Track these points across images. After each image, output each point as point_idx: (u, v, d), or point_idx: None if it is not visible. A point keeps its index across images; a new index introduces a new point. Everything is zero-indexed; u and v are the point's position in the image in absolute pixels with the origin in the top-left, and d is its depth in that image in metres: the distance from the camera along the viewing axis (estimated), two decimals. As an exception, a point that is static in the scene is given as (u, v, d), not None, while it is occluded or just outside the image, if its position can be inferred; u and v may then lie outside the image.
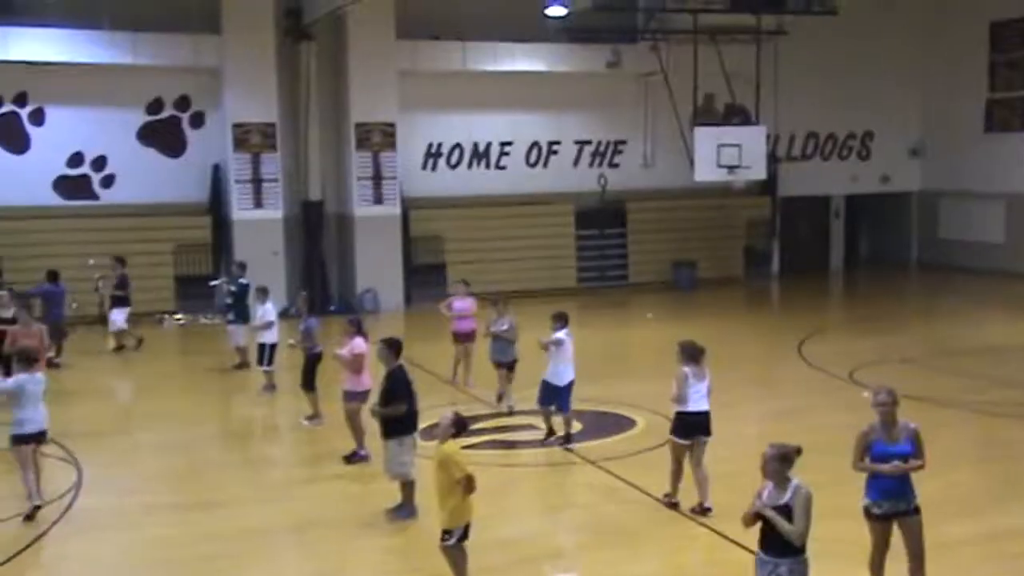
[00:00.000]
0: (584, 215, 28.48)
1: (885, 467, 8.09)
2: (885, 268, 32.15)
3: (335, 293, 26.15)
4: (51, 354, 18.98)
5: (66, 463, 13.05)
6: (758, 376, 17.79)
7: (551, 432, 13.61)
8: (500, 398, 15.29)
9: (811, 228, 32.00)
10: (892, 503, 8.16)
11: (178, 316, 24.36)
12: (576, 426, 13.90)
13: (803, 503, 6.97)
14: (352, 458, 12.85)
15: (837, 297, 30.33)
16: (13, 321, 15.82)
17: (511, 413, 14.93)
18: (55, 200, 24.48)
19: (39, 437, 11.22)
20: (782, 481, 7.06)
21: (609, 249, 28.96)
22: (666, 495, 11.01)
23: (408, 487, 10.83)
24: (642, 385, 15.79)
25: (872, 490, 8.23)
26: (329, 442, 13.65)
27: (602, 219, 28.67)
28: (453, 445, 8.85)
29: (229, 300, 18.95)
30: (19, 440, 11.01)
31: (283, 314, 19.65)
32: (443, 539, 8.69)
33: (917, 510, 8.22)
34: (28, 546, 10.24)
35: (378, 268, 25.65)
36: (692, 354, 10.75)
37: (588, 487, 12.28)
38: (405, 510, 10.82)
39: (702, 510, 10.68)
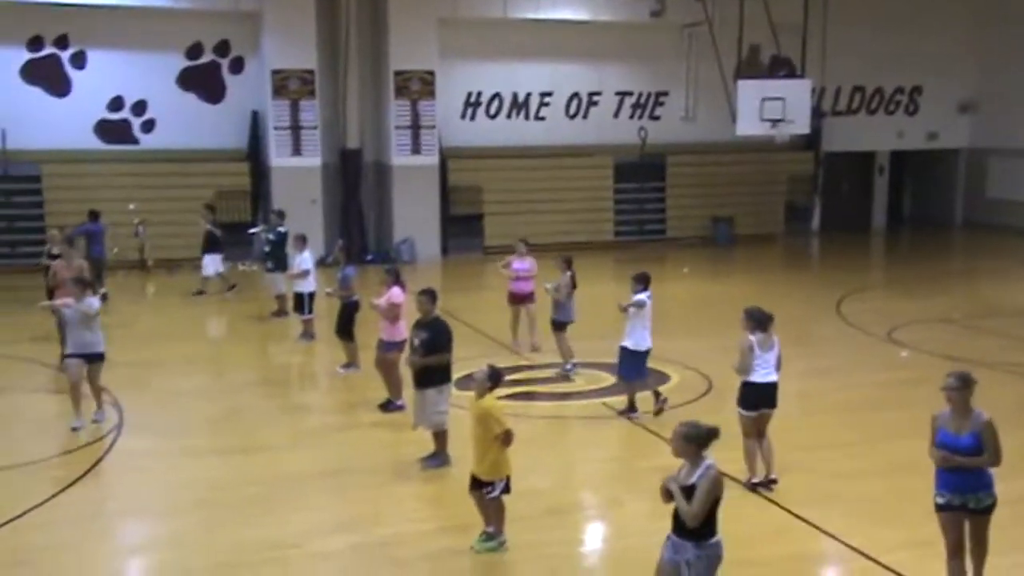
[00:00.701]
0: (623, 168, 28.27)
1: (938, 458, 7.51)
2: (929, 227, 31.72)
3: (372, 242, 26.24)
4: (103, 290, 19.59)
5: (108, 405, 13.26)
6: (796, 334, 17.62)
7: (657, 395, 12.88)
8: (566, 361, 14.75)
9: (854, 185, 31.59)
10: (956, 496, 7.51)
11: (217, 262, 24.54)
12: (607, 380, 13.92)
13: (706, 485, 6.58)
14: (388, 407, 12.95)
15: (878, 256, 30.01)
16: (59, 257, 16.39)
17: (566, 377, 14.61)
18: (96, 144, 24.69)
19: (87, 357, 12.35)
20: (695, 460, 6.71)
21: (648, 203, 28.76)
22: (748, 480, 10.22)
23: (441, 436, 10.92)
24: (676, 340, 15.73)
25: (938, 480, 7.63)
26: (365, 391, 13.76)
27: (641, 172, 28.44)
28: (492, 400, 8.91)
29: (267, 248, 19.06)
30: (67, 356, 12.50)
31: (320, 263, 19.74)
32: (488, 492, 8.77)
33: (987, 509, 7.52)
34: (70, 485, 10.44)
35: (415, 218, 25.70)
36: (759, 321, 10.11)
37: (620, 441, 12.32)
38: (438, 459, 10.92)
39: (768, 482, 10.16)
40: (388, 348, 12.96)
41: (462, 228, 26.76)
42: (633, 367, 12.63)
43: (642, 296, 12.54)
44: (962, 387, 7.51)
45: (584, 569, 8.95)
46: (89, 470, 10.92)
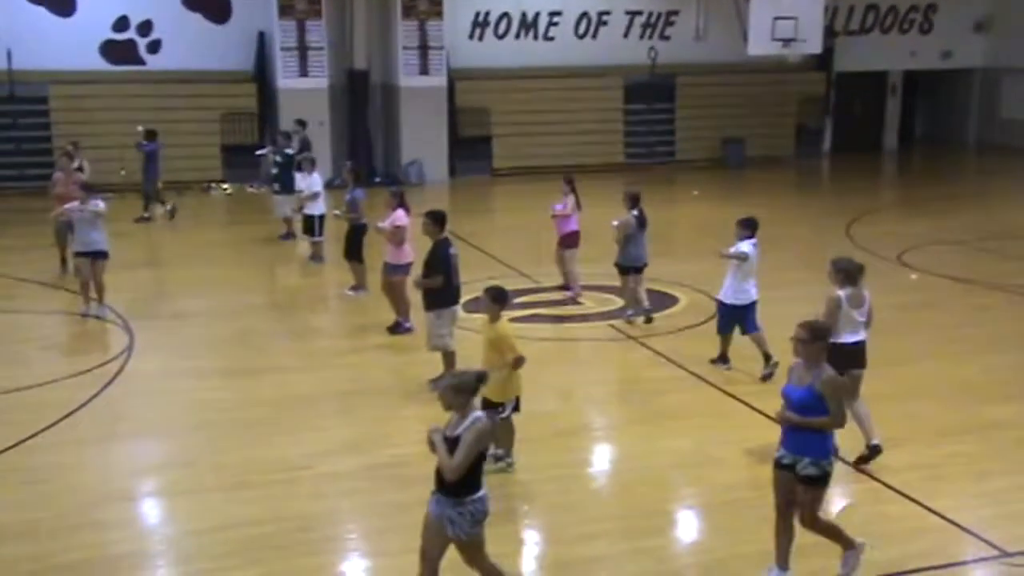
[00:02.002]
0: (633, 89, 27.94)
1: (781, 412, 6.92)
2: (941, 148, 31.43)
3: (380, 164, 26.09)
4: (169, 205, 20.39)
5: (118, 327, 13.35)
6: (805, 257, 17.61)
7: (724, 357, 11.63)
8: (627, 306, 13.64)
9: (866, 106, 31.21)
10: (788, 454, 6.92)
11: (225, 185, 24.48)
12: (617, 303, 13.93)
13: (470, 437, 6.10)
14: (396, 329, 12.99)
15: (889, 177, 29.78)
16: (80, 170, 17.20)
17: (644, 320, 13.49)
18: (102, 65, 24.45)
19: (92, 255, 13.78)
20: (464, 411, 6.25)
21: (657, 125, 28.47)
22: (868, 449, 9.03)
23: (449, 358, 10.95)
24: (685, 264, 15.72)
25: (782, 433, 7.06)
26: (373, 313, 13.79)
27: (651, 93, 28.09)
28: (506, 325, 8.92)
29: (275, 170, 18.96)
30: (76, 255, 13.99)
31: (328, 185, 19.64)
32: (499, 413, 8.81)
33: (808, 480, 6.79)
34: (82, 405, 10.54)
35: (423, 140, 25.49)
36: (849, 273, 9.01)
37: (629, 363, 12.36)
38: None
39: (869, 450, 8.99)
40: (392, 271, 12.95)
41: (470, 150, 26.57)
42: (742, 321, 11.29)
43: (745, 246, 11.13)
44: (811, 339, 6.85)
45: (592, 490, 9.04)
46: (100, 391, 11.00)
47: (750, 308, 11.24)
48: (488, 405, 8.87)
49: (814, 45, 24.75)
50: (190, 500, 8.58)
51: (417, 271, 11.48)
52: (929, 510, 8.18)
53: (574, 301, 14.47)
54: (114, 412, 10.62)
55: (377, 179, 24.56)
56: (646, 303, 13.39)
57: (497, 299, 8.91)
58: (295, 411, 10.45)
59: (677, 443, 9.74)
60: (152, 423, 10.44)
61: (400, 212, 12.93)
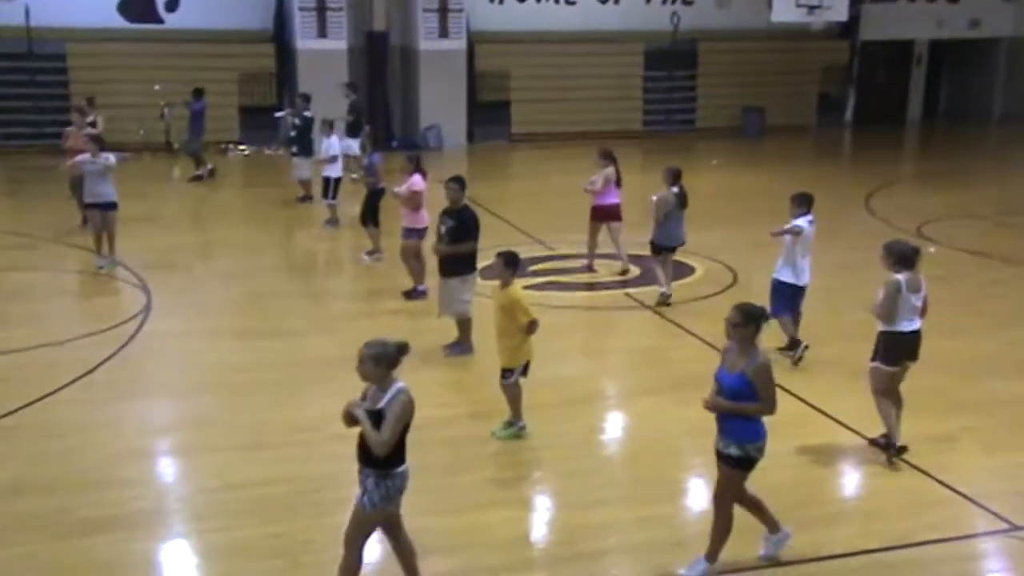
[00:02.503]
0: (653, 55, 27.73)
1: (711, 398, 6.74)
2: (966, 121, 31.06)
3: (397, 128, 26.03)
4: (210, 166, 20.73)
5: (136, 287, 13.43)
6: (823, 228, 17.39)
7: (794, 343, 10.81)
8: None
9: (890, 76, 30.89)
10: (718, 438, 6.79)
11: (242, 147, 24.49)
12: (633, 271, 13.91)
13: (396, 410, 5.97)
14: (412, 294, 13.02)
15: (912, 150, 29.53)
16: (93, 125, 17.50)
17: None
18: (120, 23, 24.42)
19: (102, 206, 14.24)
20: (384, 382, 6.08)
21: (677, 92, 28.29)
22: (883, 436, 8.71)
23: (465, 324, 10.99)
24: (702, 233, 15.61)
25: None
26: (388, 277, 13.82)
27: (672, 60, 27.89)
28: (519, 289, 8.93)
29: (293, 132, 18.96)
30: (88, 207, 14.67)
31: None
32: (504, 377, 8.87)
33: (729, 460, 6.69)
34: (99, 365, 10.63)
35: (442, 104, 25.40)
36: (904, 257, 8.46)
37: (644, 332, 12.36)
38: (461, 346, 11.01)
39: (886, 445, 8.62)
40: (409, 235, 12.97)
41: (489, 115, 26.46)
42: (786, 301, 10.69)
43: (801, 221, 10.63)
44: (744, 323, 6.60)
45: (603, 457, 9.08)
46: (118, 351, 11.09)
47: (803, 291, 10.77)
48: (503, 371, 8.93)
49: (839, 12, 24.48)
50: (204, 459, 8.67)
51: (431, 238, 11.50)
52: (940, 483, 8.19)
53: (589, 269, 14.42)
54: (130, 372, 10.70)
55: (395, 143, 24.54)
56: (664, 286, 12.77)
57: (510, 263, 8.92)
58: (308, 374, 10.51)
59: (689, 412, 9.73)
60: (168, 383, 10.53)
61: (417, 177, 12.93)
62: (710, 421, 9.43)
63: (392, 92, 25.88)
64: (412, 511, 7.16)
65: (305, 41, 24.49)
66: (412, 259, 13.02)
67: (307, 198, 18.70)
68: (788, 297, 10.70)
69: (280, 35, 25.24)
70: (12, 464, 8.44)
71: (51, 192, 18.26)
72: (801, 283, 10.71)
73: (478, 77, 26.22)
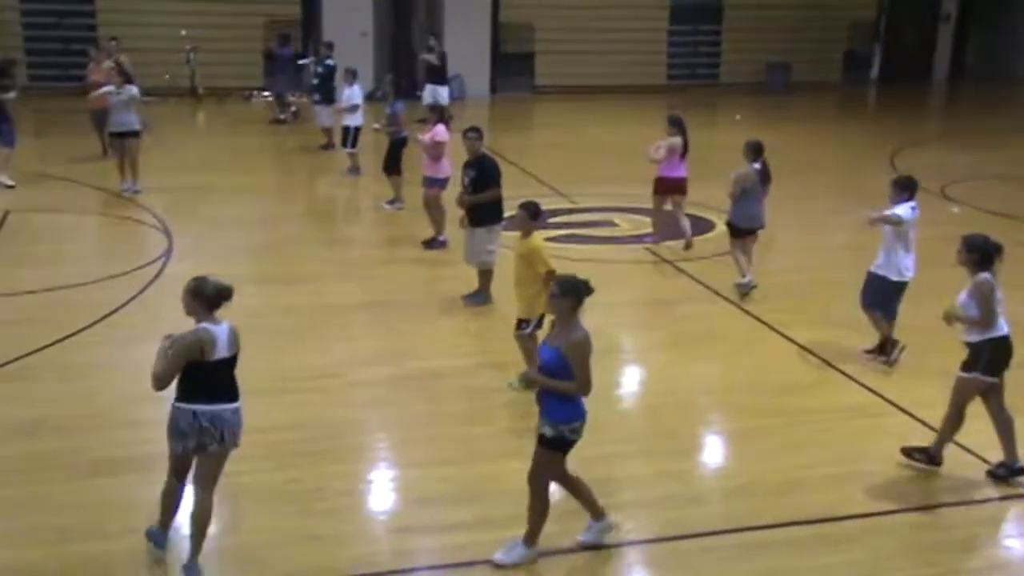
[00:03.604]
0: (679, 8, 27.47)
1: (529, 373, 6.43)
2: (993, 80, 30.64)
3: (421, 78, 25.85)
4: (282, 116, 21.09)
5: (157, 231, 13.48)
6: (846, 185, 17.41)
7: (887, 345, 9.69)
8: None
9: (917, 33, 30.46)
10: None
11: (266, 93, 24.42)
12: (647, 225, 13.81)
13: (166, 345, 6.04)
14: (431, 244, 13.02)
15: (938, 108, 29.20)
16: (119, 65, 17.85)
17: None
18: (146, -33, 24.30)
19: (126, 135, 15.27)
20: (198, 318, 6.17)
21: (702, 46, 28.01)
22: (925, 451, 7.80)
23: (486, 275, 10.99)
24: (723, 189, 15.56)
25: None
26: (409, 226, 13.82)
27: (697, 14, 27.60)
28: (539, 239, 8.93)
29: (316, 80, 18.87)
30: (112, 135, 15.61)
31: (369, 97, 19.54)
32: (520, 327, 8.88)
33: (542, 439, 6.33)
34: (120, 307, 10.70)
35: (465, 54, 25.14)
36: (985, 254, 7.46)
37: (662, 287, 12.34)
38: (480, 296, 11.02)
39: (1009, 472, 7.61)
40: (431, 184, 12.96)
41: (512, 67, 26.30)
42: (883, 297, 9.60)
43: (902, 209, 9.39)
44: (561, 294, 6.25)
45: (619, 411, 9.08)
46: (138, 294, 11.15)
47: (903, 287, 9.53)
48: (520, 321, 8.94)
49: (868, -31, 24.12)
50: (223, 403, 8.71)
51: (454, 189, 11.48)
52: (962, 447, 8.15)
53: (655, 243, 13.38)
54: (151, 314, 10.73)
55: (418, 92, 24.38)
56: (746, 274, 11.52)
57: (532, 214, 8.91)
58: (327, 320, 10.56)
59: (705, 368, 9.77)
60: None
61: (440, 127, 12.90)
62: (726, 377, 9.52)
63: (417, 42, 25.68)
64: (425, 459, 7.22)
65: (331, -12, 24.32)
66: (434, 208, 13.01)
67: (329, 146, 18.66)
68: (881, 292, 9.55)
69: (305, -20, 25.07)
70: (29, 404, 8.51)
71: (77, 133, 18.29)
72: (901, 279, 9.48)
73: (502, 28, 26.00)
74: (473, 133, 11.04)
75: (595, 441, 8.19)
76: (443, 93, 20.65)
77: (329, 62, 18.79)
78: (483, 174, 10.82)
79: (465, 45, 25.06)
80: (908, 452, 7.81)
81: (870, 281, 9.63)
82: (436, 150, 12.84)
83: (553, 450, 6.33)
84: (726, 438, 8.61)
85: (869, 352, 9.72)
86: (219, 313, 6.22)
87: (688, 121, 13.21)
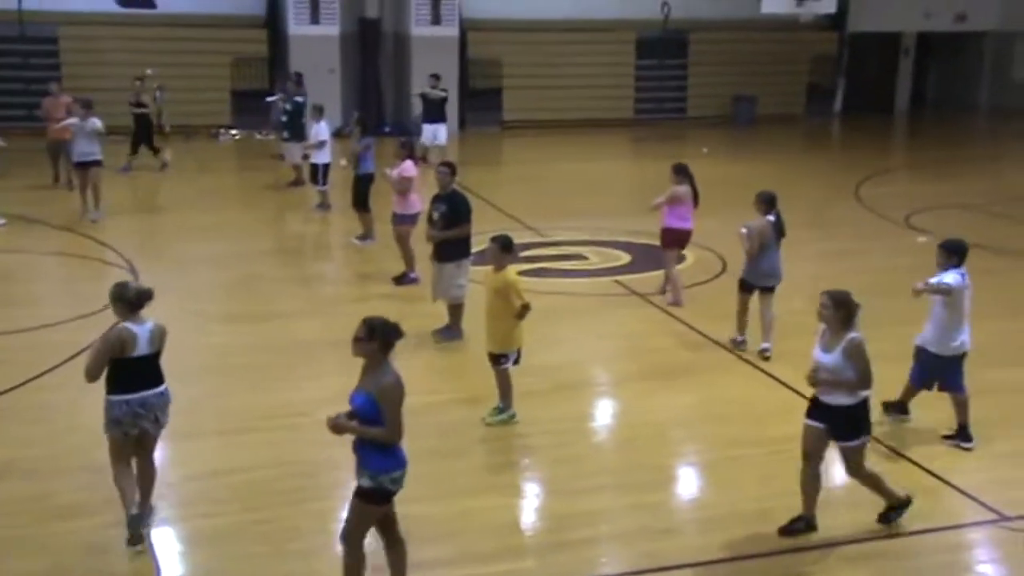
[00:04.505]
0: (645, 43, 27.73)
1: (333, 419, 5.96)
2: (953, 111, 31.14)
3: (389, 114, 25.94)
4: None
5: (123, 270, 13.36)
6: (813, 217, 17.56)
7: (902, 406, 9.04)
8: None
9: (878, 66, 30.90)
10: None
11: (233, 131, 24.38)
12: (623, 259, 13.86)
13: (97, 341, 7.16)
14: (402, 280, 12.98)
15: (900, 139, 29.59)
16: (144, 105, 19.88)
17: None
18: (112, 7, 24.30)
19: (89, 164, 15.83)
20: (122, 319, 6.91)
21: (668, 80, 28.27)
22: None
23: (457, 310, 10.97)
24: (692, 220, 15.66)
25: None
26: (379, 262, 13.79)
27: (663, 49, 27.87)
28: (513, 272, 8.92)
29: (284, 117, 18.86)
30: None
31: (337, 133, 19.57)
32: (498, 363, 8.86)
33: (359, 491, 5.97)
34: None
35: (434, 90, 25.29)
36: (852, 311, 7.12)
37: (633, 319, 12.32)
38: (451, 331, 10.99)
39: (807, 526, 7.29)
40: (400, 221, 12.96)
41: (481, 102, 26.40)
42: (948, 374, 8.70)
43: (951, 276, 8.53)
44: (368, 338, 6.02)
45: (593, 444, 9.06)
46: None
47: (957, 361, 8.64)
48: (493, 358, 8.91)
49: (828, 4, 24.55)
50: (191, 444, 8.58)
51: (424, 224, 11.48)
52: (928, 472, 8.20)
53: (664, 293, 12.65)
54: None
55: (387, 129, 24.44)
56: (741, 332, 10.92)
57: (505, 247, 8.91)
58: (297, 357, 10.49)
59: (680, 399, 9.77)
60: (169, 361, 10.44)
61: (408, 163, 12.93)
62: (701, 409, 9.53)
63: (384, 78, 25.78)
64: (403, 497, 7.14)
65: (298, 27, 24.37)
66: (404, 244, 12.99)
67: (298, 182, 18.62)
68: (925, 366, 8.76)
69: (273, 20, 25.11)
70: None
71: (40, 173, 18.16)
72: (953, 353, 8.59)
73: (470, 64, 26.14)
74: (444, 168, 11.09)
75: (569, 474, 8.20)
76: (442, 132, 20.70)
77: (298, 99, 18.79)
78: (453, 209, 10.83)
79: (433, 81, 25.18)
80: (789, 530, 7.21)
81: (917, 355, 8.82)
82: (403, 185, 12.85)
83: (370, 503, 5.97)
84: (701, 469, 8.60)
85: (948, 438, 8.79)
86: (145, 313, 7.03)
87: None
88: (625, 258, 14.15)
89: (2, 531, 7.16)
